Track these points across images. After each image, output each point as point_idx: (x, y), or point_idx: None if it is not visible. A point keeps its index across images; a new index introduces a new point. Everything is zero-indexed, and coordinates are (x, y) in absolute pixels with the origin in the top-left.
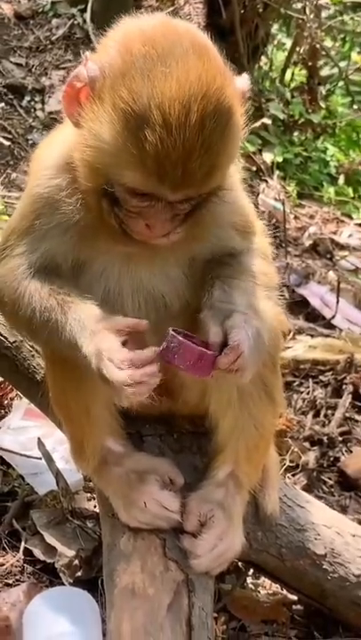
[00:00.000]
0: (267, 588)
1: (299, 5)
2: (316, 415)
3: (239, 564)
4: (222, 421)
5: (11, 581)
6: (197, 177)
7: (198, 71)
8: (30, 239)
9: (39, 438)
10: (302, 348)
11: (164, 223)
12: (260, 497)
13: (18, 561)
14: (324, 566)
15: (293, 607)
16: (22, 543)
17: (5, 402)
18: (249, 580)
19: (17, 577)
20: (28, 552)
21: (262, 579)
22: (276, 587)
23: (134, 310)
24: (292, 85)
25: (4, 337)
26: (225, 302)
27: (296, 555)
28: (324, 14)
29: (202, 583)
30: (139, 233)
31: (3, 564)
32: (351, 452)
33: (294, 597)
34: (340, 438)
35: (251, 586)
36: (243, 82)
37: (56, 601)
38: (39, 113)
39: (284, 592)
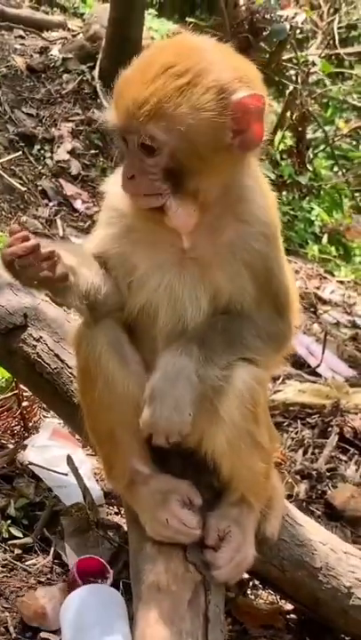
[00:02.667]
0: (264, 598)
1: (291, 72)
2: (305, 453)
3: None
4: (221, 462)
5: (43, 580)
6: (141, 111)
7: (171, 49)
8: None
9: (69, 455)
10: (292, 391)
11: (132, 167)
12: (262, 521)
13: (48, 562)
14: (319, 578)
15: (288, 616)
16: (52, 547)
17: (30, 424)
18: (249, 591)
19: (48, 576)
20: (57, 555)
21: (260, 591)
22: (272, 597)
23: (164, 322)
24: (281, 148)
25: (47, 364)
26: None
27: (295, 567)
28: (311, 79)
29: (215, 585)
30: (123, 184)
31: (35, 564)
32: (336, 487)
33: (290, 607)
34: (328, 474)
35: (251, 596)
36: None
37: (91, 595)
38: (48, 161)
39: (281, 602)
